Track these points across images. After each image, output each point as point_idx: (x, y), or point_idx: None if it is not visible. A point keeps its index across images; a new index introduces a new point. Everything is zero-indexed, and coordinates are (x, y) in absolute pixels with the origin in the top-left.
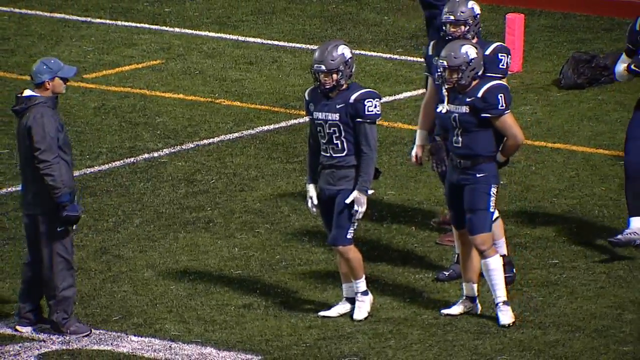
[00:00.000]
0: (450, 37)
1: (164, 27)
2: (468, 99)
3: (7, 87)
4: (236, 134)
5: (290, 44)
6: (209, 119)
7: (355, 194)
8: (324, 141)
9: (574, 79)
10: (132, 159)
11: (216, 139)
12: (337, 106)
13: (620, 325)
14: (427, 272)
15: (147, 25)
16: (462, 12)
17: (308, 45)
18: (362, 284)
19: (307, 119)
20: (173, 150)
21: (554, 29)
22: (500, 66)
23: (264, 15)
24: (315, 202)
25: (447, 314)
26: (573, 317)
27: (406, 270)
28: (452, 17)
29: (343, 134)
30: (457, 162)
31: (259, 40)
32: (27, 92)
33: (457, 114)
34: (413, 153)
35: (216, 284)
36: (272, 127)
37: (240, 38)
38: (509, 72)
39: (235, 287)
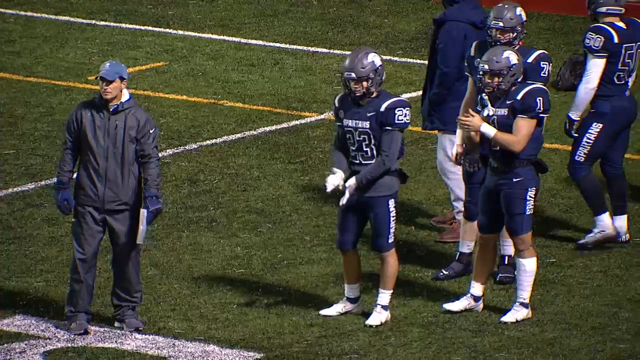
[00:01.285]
0: (496, 43)
1: (167, 30)
2: (508, 102)
3: (13, 88)
4: (238, 135)
5: (292, 46)
6: (212, 120)
7: (353, 180)
8: (354, 148)
9: (571, 80)
10: None
11: (219, 140)
12: (368, 114)
13: (617, 323)
14: (426, 271)
15: (150, 28)
16: (511, 19)
17: (309, 48)
18: (386, 297)
19: (307, 120)
20: (176, 151)
21: (551, 31)
22: (542, 74)
23: (266, 17)
24: (337, 182)
25: (448, 309)
26: (570, 315)
27: (406, 269)
28: (500, 24)
29: (373, 141)
30: (494, 166)
31: (260, 42)
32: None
33: (496, 117)
34: (453, 151)
35: (219, 283)
36: (273, 128)
37: (243, 40)
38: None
39: (237, 286)
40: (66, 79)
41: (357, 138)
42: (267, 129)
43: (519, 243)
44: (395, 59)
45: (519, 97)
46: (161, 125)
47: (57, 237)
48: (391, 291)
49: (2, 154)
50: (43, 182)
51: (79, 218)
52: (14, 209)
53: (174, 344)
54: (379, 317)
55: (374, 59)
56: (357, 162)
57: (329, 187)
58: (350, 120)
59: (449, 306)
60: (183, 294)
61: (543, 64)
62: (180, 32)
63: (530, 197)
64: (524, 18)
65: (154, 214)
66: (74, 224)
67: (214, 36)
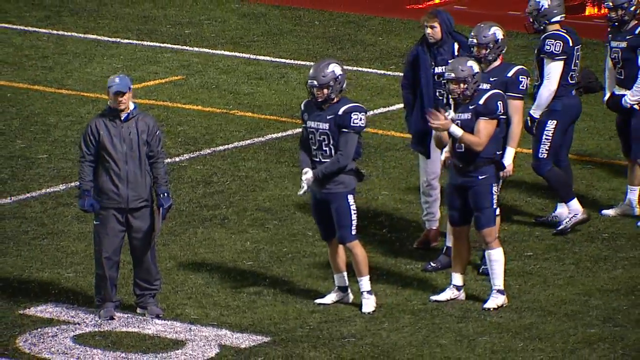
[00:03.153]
0: (476, 58)
1: (184, 47)
2: (471, 106)
3: (46, 99)
4: (248, 141)
5: (296, 62)
6: (224, 127)
7: (310, 172)
8: (315, 147)
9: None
10: None
11: (230, 146)
12: (328, 117)
13: (588, 310)
14: (416, 263)
15: (169, 45)
16: (485, 37)
17: (312, 63)
18: (366, 283)
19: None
20: (192, 156)
21: (528, 49)
22: (521, 87)
23: (273, 36)
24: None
25: (435, 300)
26: (546, 303)
27: (398, 261)
28: (475, 41)
29: (331, 141)
30: (459, 166)
31: (268, 58)
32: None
33: (460, 120)
34: (442, 157)
35: (230, 274)
36: (280, 135)
37: (252, 56)
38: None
39: (247, 277)
40: (94, 91)
41: (318, 138)
42: (274, 135)
43: (487, 235)
44: (389, 73)
45: (481, 102)
46: (178, 132)
47: (85, 232)
48: (368, 276)
49: (36, 158)
50: (73, 184)
51: (103, 220)
52: (47, 208)
53: (190, 328)
54: (370, 302)
55: (335, 68)
56: (318, 160)
57: (306, 186)
58: (312, 122)
59: (435, 297)
60: (198, 283)
61: (522, 78)
62: (196, 49)
63: (494, 191)
64: (499, 36)
65: (167, 210)
66: (97, 226)
67: (226, 52)
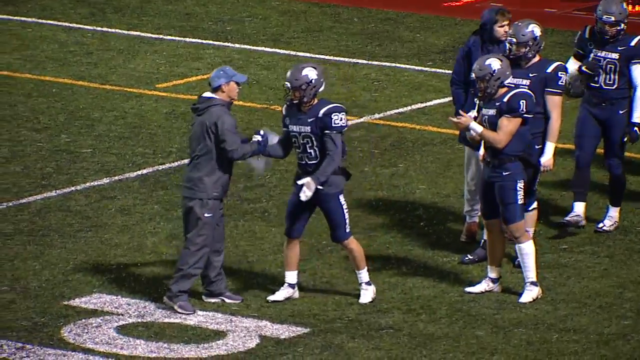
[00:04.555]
0: (513, 56)
1: (226, 43)
2: (497, 104)
3: (91, 95)
4: None
5: (335, 58)
6: (264, 122)
7: (308, 179)
8: (299, 150)
9: (582, 88)
10: None
11: None
12: (309, 120)
13: (622, 302)
14: (453, 256)
15: (211, 42)
16: (523, 35)
17: (350, 59)
18: (364, 275)
19: (348, 123)
20: None
21: (564, 46)
22: (560, 83)
23: (313, 33)
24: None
25: (470, 292)
26: (580, 295)
27: (435, 254)
28: (514, 39)
29: (315, 143)
30: (487, 160)
31: (308, 54)
32: (206, 94)
33: (487, 117)
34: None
35: (270, 266)
36: None
37: (292, 52)
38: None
39: None
40: (137, 86)
41: (301, 141)
42: None
43: (515, 230)
44: (426, 69)
45: (505, 99)
46: None
47: (129, 225)
48: (365, 269)
49: (81, 152)
50: (116, 177)
51: (215, 213)
52: (91, 201)
53: (231, 319)
54: (368, 293)
55: (309, 73)
56: (304, 162)
57: (310, 193)
58: (294, 126)
59: (470, 289)
60: (239, 275)
61: (561, 74)
62: (238, 45)
63: (520, 188)
64: (537, 34)
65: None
66: (210, 218)
67: (267, 49)
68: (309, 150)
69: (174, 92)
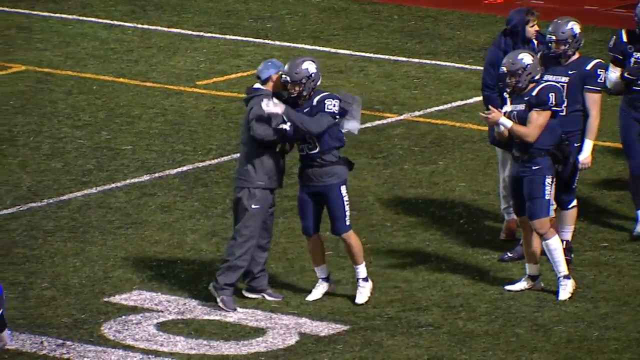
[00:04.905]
0: (553, 54)
1: (266, 41)
2: (525, 98)
3: (131, 92)
4: None
5: (375, 55)
6: None
7: (281, 103)
8: (300, 141)
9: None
10: (237, 155)
11: None
12: (304, 110)
13: None
14: (493, 253)
15: (251, 39)
16: (563, 33)
17: (390, 57)
18: (362, 270)
19: (388, 120)
20: None
21: (604, 43)
22: (599, 80)
23: (353, 30)
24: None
25: (510, 290)
26: (621, 293)
27: (475, 251)
28: (553, 37)
29: None
30: (516, 155)
31: (348, 52)
32: (255, 86)
33: (516, 112)
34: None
35: (310, 263)
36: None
37: (332, 50)
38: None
39: None
40: (177, 83)
41: (300, 133)
42: None
43: (540, 227)
44: (466, 66)
45: (534, 93)
46: None
47: (169, 222)
48: (363, 264)
49: (121, 149)
50: (157, 174)
51: (263, 205)
52: (131, 198)
53: (270, 316)
54: (364, 292)
55: (309, 66)
56: (304, 153)
57: (274, 108)
58: None
59: (510, 287)
60: (279, 272)
61: (600, 71)
62: (277, 42)
63: (548, 183)
64: (576, 31)
65: None
66: (257, 210)
67: (307, 46)
68: (308, 140)
69: (214, 90)
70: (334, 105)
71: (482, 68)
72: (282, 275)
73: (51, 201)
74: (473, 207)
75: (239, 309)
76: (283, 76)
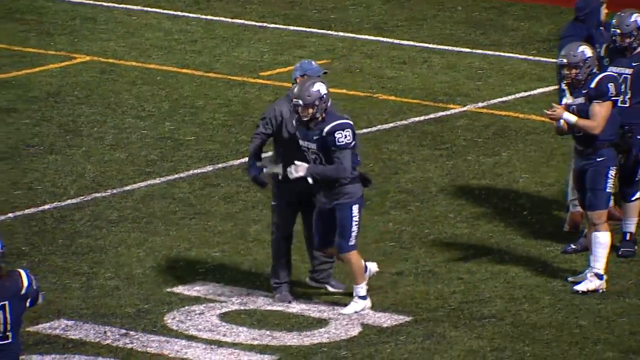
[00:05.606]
0: (619, 47)
1: (329, 32)
2: (584, 91)
3: (195, 82)
4: (391, 124)
5: (439, 47)
6: (368, 111)
7: (303, 165)
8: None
9: None
10: None
11: (373, 129)
12: (315, 137)
13: None
14: (556, 245)
15: (315, 30)
16: (627, 25)
17: (454, 48)
18: (361, 290)
19: (452, 112)
20: None
21: None
22: None
23: (417, 21)
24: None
25: (573, 282)
26: None
27: (538, 243)
28: (618, 30)
29: (324, 158)
30: (579, 149)
31: (411, 43)
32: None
33: (575, 106)
34: None
35: (373, 254)
36: (422, 118)
37: (396, 41)
38: None
39: (389, 257)
40: (241, 74)
41: (311, 156)
42: (416, 119)
43: (596, 218)
44: (530, 57)
45: (592, 85)
46: None
47: (232, 213)
48: (363, 284)
49: (185, 140)
50: (220, 165)
51: (280, 200)
52: (195, 189)
53: (333, 308)
54: (355, 306)
55: (320, 87)
56: None
57: (294, 173)
58: (304, 142)
59: (573, 279)
60: (341, 264)
61: None
62: (341, 33)
63: (611, 175)
64: None
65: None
66: (274, 206)
67: (370, 37)
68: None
69: (277, 80)
70: (345, 137)
71: (546, 59)
72: (345, 267)
73: (115, 191)
74: (536, 199)
75: (301, 300)
76: (294, 100)
